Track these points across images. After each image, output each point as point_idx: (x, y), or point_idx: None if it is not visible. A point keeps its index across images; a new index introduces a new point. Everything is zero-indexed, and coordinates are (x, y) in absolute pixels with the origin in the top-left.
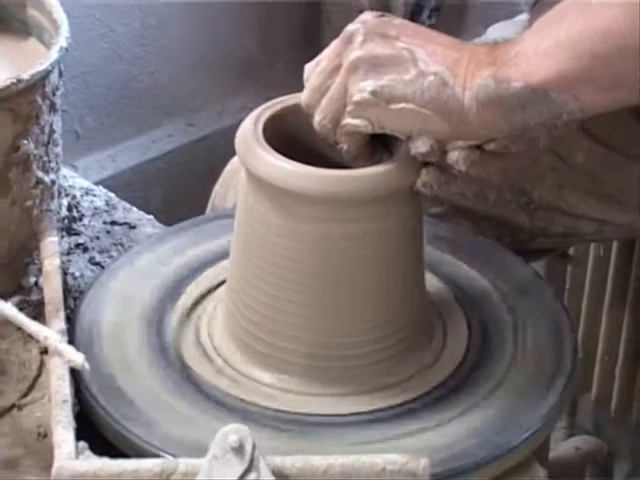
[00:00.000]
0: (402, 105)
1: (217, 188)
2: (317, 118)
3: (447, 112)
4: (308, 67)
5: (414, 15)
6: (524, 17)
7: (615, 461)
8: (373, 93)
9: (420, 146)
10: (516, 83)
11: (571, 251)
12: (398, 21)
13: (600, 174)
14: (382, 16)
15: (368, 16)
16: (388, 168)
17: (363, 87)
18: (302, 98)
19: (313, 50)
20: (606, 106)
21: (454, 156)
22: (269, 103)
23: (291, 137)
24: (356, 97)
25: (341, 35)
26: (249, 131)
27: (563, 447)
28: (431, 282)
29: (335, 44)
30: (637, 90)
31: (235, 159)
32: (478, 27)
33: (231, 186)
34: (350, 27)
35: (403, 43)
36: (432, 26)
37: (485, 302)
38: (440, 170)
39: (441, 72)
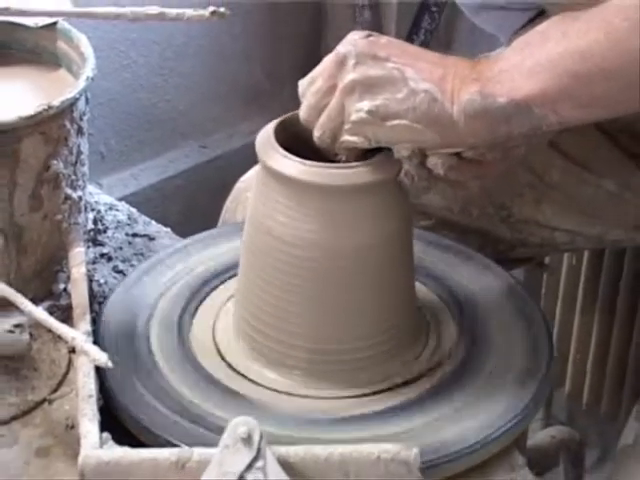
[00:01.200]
0: (396, 122)
1: (228, 204)
2: (316, 134)
3: (438, 125)
4: (302, 83)
5: None
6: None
7: (586, 448)
8: (369, 112)
9: (403, 152)
10: (501, 99)
11: (547, 260)
12: (385, 39)
13: (574, 190)
14: (369, 36)
15: (356, 37)
16: (376, 162)
17: (360, 107)
18: (300, 114)
19: None
20: (583, 120)
21: (433, 160)
22: (279, 119)
23: (297, 139)
24: (354, 117)
25: (333, 56)
26: (265, 137)
27: (540, 436)
28: (421, 289)
29: (328, 65)
30: (612, 107)
31: (244, 177)
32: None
33: (240, 202)
34: (341, 49)
35: (393, 63)
36: None
37: (470, 305)
38: (422, 165)
39: (430, 89)
